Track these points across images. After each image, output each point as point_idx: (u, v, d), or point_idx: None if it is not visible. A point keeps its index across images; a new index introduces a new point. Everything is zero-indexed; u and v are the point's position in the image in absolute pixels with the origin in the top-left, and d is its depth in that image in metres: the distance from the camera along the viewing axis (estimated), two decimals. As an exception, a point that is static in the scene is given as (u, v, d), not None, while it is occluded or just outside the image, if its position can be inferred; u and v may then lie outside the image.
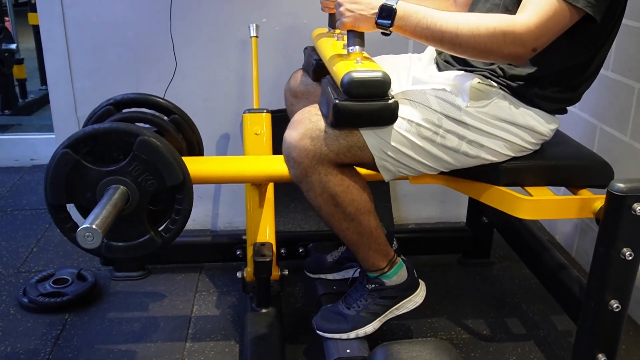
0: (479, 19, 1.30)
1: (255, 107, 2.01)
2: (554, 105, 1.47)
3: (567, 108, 1.53)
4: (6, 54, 3.28)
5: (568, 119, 1.57)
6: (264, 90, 2.17)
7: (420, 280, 1.65)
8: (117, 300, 1.98)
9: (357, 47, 1.37)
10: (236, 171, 1.66)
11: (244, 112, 1.85)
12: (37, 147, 3.05)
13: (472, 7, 1.62)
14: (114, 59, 2.23)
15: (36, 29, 3.65)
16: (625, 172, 1.90)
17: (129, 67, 2.25)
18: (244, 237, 2.01)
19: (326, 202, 1.43)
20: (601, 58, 1.46)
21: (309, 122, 1.38)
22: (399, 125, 1.37)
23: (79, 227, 1.42)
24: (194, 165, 1.55)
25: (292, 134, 1.39)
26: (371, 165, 1.43)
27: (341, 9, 1.33)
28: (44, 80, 4.04)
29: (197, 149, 1.83)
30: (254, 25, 2.08)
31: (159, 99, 1.76)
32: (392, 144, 1.38)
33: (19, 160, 3.05)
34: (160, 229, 1.49)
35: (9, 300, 1.96)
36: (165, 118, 1.76)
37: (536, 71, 1.42)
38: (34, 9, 3.46)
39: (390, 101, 1.31)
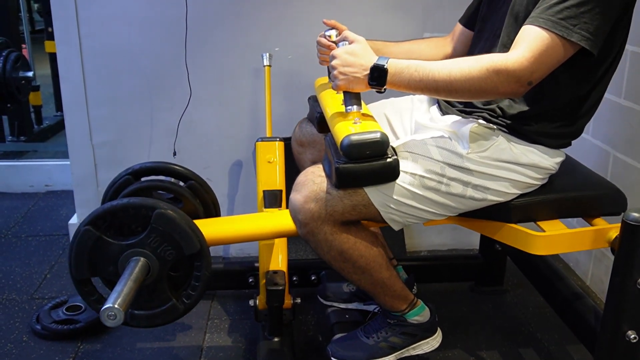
0: (470, 62, 1.30)
1: (267, 135, 2.02)
2: (556, 141, 1.47)
3: (575, 138, 1.51)
4: (23, 82, 3.32)
5: (580, 146, 1.57)
6: (277, 118, 2.18)
7: (438, 327, 1.65)
8: (129, 329, 1.97)
9: (355, 107, 1.39)
10: (251, 230, 1.65)
11: (257, 141, 1.87)
12: (52, 173, 3.08)
13: (473, 48, 1.63)
14: (129, 87, 2.27)
15: (52, 57, 3.70)
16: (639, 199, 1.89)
17: (144, 95, 2.28)
18: (256, 264, 2.01)
19: (335, 259, 1.45)
20: (602, 90, 1.45)
21: (312, 184, 1.41)
22: (402, 179, 1.38)
23: (103, 297, 1.47)
24: (210, 228, 1.56)
25: (297, 197, 1.42)
26: (378, 219, 1.44)
27: (335, 72, 1.36)
28: (59, 107, 4.09)
29: (213, 210, 1.85)
30: (267, 54, 2.11)
31: (175, 167, 1.80)
32: (396, 197, 1.39)
33: (33, 187, 3.08)
34: (180, 292, 1.52)
35: (23, 327, 1.97)
36: (182, 184, 1.78)
37: (536, 109, 1.42)
38: (50, 36, 3.52)
39: (389, 159, 1.33)
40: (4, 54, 3.20)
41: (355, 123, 1.36)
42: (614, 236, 1.41)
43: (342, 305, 1.92)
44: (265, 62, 2.10)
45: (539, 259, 1.92)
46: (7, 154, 3.56)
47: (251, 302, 1.84)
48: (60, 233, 2.62)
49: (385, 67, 1.31)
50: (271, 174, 1.83)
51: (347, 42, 1.39)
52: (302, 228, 1.43)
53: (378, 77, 1.32)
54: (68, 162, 2.41)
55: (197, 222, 1.50)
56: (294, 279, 2.08)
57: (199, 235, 1.45)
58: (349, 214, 1.40)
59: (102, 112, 2.28)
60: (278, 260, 1.83)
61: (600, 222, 1.49)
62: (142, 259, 1.41)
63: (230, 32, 2.23)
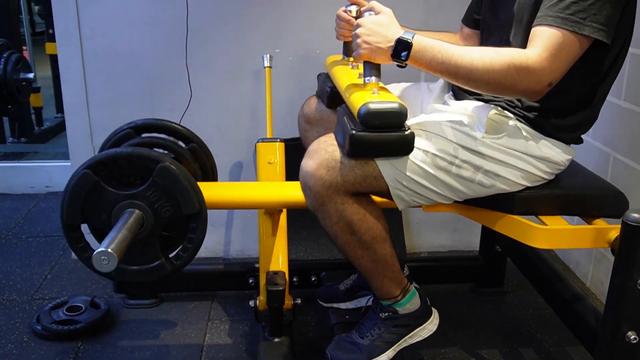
0: (494, 54, 1.30)
1: (268, 136, 2.02)
2: (571, 134, 1.47)
3: (588, 129, 1.52)
4: (23, 83, 3.33)
5: (581, 148, 1.57)
6: (277, 119, 2.19)
7: (433, 308, 1.64)
8: (129, 328, 1.98)
9: (374, 78, 1.38)
10: (250, 197, 1.67)
11: (258, 142, 1.87)
12: (52, 174, 3.08)
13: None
14: (130, 89, 2.27)
15: (53, 58, 3.71)
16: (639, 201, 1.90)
17: (145, 96, 2.28)
18: (256, 265, 2.01)
19: (342, 231, 1.43)
20: (612, 78, 1.45)
21: (325, 152, 1.39)
22: (414, 155, 1.38)
23: (90, 247, 1.45)
24: (209, 190, 1.57)
25: (309, 163, 1.40)
26: (385, 194, 1.43)
27: (358, 40, 1.34)
28: (59, 108, 4.09)
29: (211, 175, 1.85)
30: (268, 55, 2.11)
31: (178, 126, 1.79)
32: (408, 174, 1.39)
33: (34, 188, 3.08)
34: (171, 256, 1.50)
35: (23, 327, 1.97)
36: (183, 145, 1.77)
37: (554, 102, 1.42)
38: (51, 38, 3.53)
39: (406, 132, 1.32)
40: (4, 55, 3.20)
41: (373, 93, 1.35)
42: (614, 237, 1.41)
43: (342, 306, 1.92)
44: (266, 64, 2.11)
45: (539, 260, 1.92)
46: (7, 155, 3.56)
47: (251, 303, 1.85)
48: (60, 234, 2.62)
49: (410, 41, 1.30)
50: (272, 175, 1.84)
51: (373, 12, 1.37)
52: (311, 197, 1.41)
53: (402, 50, 1.31)
54: (69, 164, 2.41)
55: (199, 184, 1.48)
56: (294, 279, 2.08)
57: (200, 197, 1.43)
58: (359, 184, 1.39)
59: (103, 113, 2.28)
60: (278, 260, 1.84)
61: (600, 223, 1.50)
62: (137, 211, 1.39)
63: (230, 33, 2.23)
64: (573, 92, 1.42)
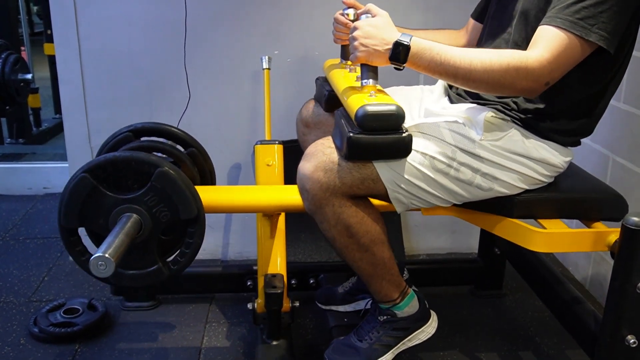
0: (492, 54, 1.30)
1: (267, 138, 2.02)
2: (568, 138, 1.47)
3: (587, 136, 1.52)
4: (22, 84, 3.32)
5: (580, 150, 1.57)
6: (276, 121, 2.18)
7: (431, 311, 1.63)
8: (127, 331, 1.97)
9: (371, 81, 1.38)
10: (248, 201, 1.67)
11: (256, 144, 1.86)
12: (50, 175, 3.07)
13: (480, 42, 1.63)
14: (128, 90, 2.26)
15: (51, 59, 3.71)
16: (638, 203, 1.89)
17: (143, 97, 2.28)
18: (254, 267, 2.00)
19: (340, 234, 1.43)
20: (613, 88, 1.46)
21: (322, 155, 1.39)
22: (412, 158, 1.38)
23: (87, 251, 1.44)
24: (208, 194, 1.56)
25: (306, 165, 1.39)
26: (384, 197, 1.43)
27: (355, 43, 1.34)
28: (57, 109, 4.09)
29: (209, 179, 1.85)
30: (266, 57, 2.11)
31: (177, 130, 1.79)
32: (406, 176, 1.38)
33: (32, 189, 3.07)
34: (168, 260, 1.49)
35: (20, 329, 1.96)
36: (182, 149, 1.77)
37: (549, 105, 1.42)
38: (49, 39, 3.52)
39: (404, 134, 1.32)
40: (3, 56, 3.19)
41: (370, 96, 1.35)
42: (613, 240, 1.41)
43: (340, 308, 1.92)
44: (265, 65, 2.10)
45: (539, 263, 1.91)
46: (5, 156, 3.55)
47: (249, 306, 1.84)
48: (58, 236, 2.59)
49: (408, 44, 1.30)
50: (270, 177, 1.83)
51: (370, 15, 1.37)
52: (309, 200, 1.40)
53: (399, 53, 1.30)
54: (67, 165, 2.40)
55: (196, 187, 1.48)
56: (293, 282, 2.08)
57: (198, 202, 1.42)
58: (357, 187, 1.38)
59: (101, 114, 2.27)
60: (277, 263, 1.83)
61: (599, 227, 1.49)
62: (135, 215, 1.38)
63: (229, 35, 2.23)
64: (568, 97, 1.42)
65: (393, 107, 1.30)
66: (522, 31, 1.42)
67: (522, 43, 1.41)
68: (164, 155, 1.70)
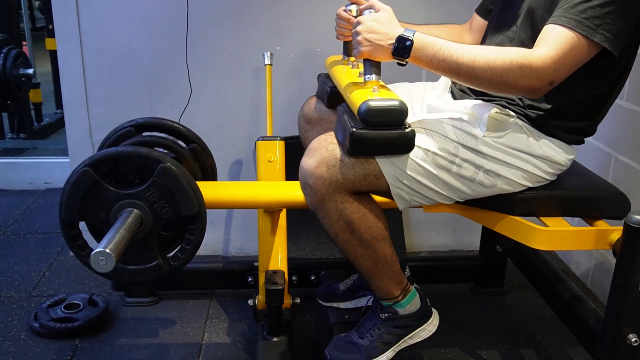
0: (496, 51, 1.29)
1: (268, 134, 2.01)
2: (572, 136, 1.46)
3: (591, 135, 1.52)
4: (23, 79, 3.32)
5: (582, 149, 1.56)
6: (278, 117, 2.18)
7: (433, 309, 1.63)
8: (127, 326, 1.97)
9: (374, 76, 1.37)
10: (250, 197, 1.67)
11: (258, 140, 1.86)
12: (51, 170, 3.07)
13: (484, 39, 1.62)
14: (129, 85, 2.26)
15: (53, 54, 3.70)
16: (641, 202, 1.89)
17: (144, 93, 2.27)
18: (255, 263, 2.00)
19: (342, 229, 1.42)
20: (618, 89, 1.45)
21: (325, 150, 1.38)
22: (415, 154, 1.37)
23: (87, 245, 1.44)
24: (209, 190, 1.56)
25: (309, 161, 1.39)
26: (386, 193, 1.42)
27: (359, 37, 1.33)
28: (59, 104, 4.09)
29: (211, 175, 1.84)
30: (268, 53, 2.10)
31: (179, 126, 1.78)
32: (408, 172, 1.38)
33: (33, 184, 3.07)
34: (168, 256, 1.49)
35: (21, 324, 1.96)
36: (184, 145, 1.77)
37: (554, 102, 1.42)
38: (51, 34, 3.51)
39: (407, 130, 1.31)
40: (4, 51, 3.19)
41: (373, 91, 1.34)
42: (615, 238, 1.40)
43: (341, 305, 1.91)
44: (267, 61, 2.10)
45: (540, 261, 1.91)
46: (6, 151, 3.55)
47: (250, 302, 1.84)
48: (59, 231, 2.60)
49: (411, 39, 1.30)
50: (272, 173, 1.83)
51: (373, 10, 1.36)
52: (311, 195, 1.40)
53: (403, 48, 1.30)
54: (68, 160, 2.40)
55: (198, 183, 1.48)
56: (294, 278, 2.08)
57: (200, 198, 1.42)
58: (359, 183, 1.38)
59: (103, 109, 2.27)
60: (277, 259, 1.83)
61: (602, 225, 1.49)
62: (136, 210, 1.38)
63: (231, 30, 2.22)
64: (573, 97, 1.41)
65: (396, 102, 1.30)
66: (529, 30, 1.42)
67: (529, 42, 1.40)
68: (166, 151, 1.70)
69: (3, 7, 3.66)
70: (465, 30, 1.77)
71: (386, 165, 1.37)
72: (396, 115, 1.30)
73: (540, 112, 1.43)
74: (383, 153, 1.36)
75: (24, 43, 3.99)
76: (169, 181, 1.38)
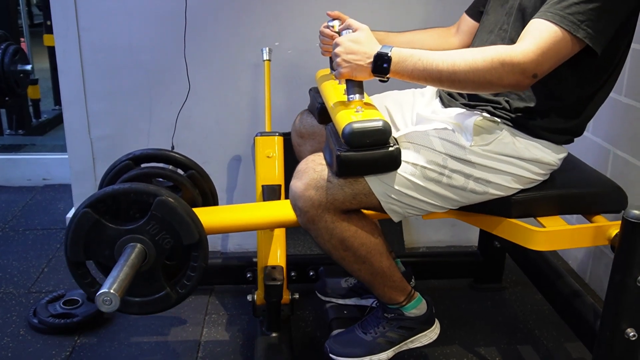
0: (475, 52, 1.29)
1: (267, 129, 2.01)
2: (560, 137, 1.46)
3: (578, 136, 1.51)
4: (21, 75, 3.30)
5: (580, 143, 1.56)
6: (276, 113, 2.17)
7: (436, 319, 1.64)
8: (126, 323, 1.97)
9: (357, 96, 1.37)
10: (249, 219, 1.67)
11: (256, 135, 1.86)
12: (49, 167, 3.07)
13: (475, 39, 1.62)
14: (128, 81, 2.26)
15: (51, 50, 3.69)
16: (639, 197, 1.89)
17: (143, 89, 2.27)
18: (254, 259, 2.00)
19: (335, 247, 1.44)
20: (606, 91, 1.45)
21: (313, 172, 1.39)
22: (403, 169, 1.37)
23: (97, 282, 1.47)
24: (208, 216, 1.57)
25: (297, 184, 1.40)
26: (378, 209, 1.43)
27: (338, 59, 1.34)
28: (57, 101, 4.07)
29: (211, 200, 1.85)
30: (267, 49, 2.10)
31: (176, 155, 1.80)
32: (397, 188, 1.38)
33: (31, 180, 3.07)
34: (174, 281, 1.51)
35: (19, 320, 1.96)
36: (182, 172, 1.78)
37: (541, 105, 1.41)
38: (49, 30, 3.50)
39: (391, 148, 1.31)
40: (2, 47, 3.17)
41: (357, 111, 1.35)
42: (614, 233, 1.40)
43: (340, 301, 1.92)
44: (265, 57, 2.09)
45: (538, 257, 1.91)
46: (5, 147, 3.55)
47: (249, 297, 1.84)
48: (57, 227, 2.61)
49: (389, 55, 1.30)
50: (270, 169, 1.83)
51: (350, 30, 1.37)
52: (302, 216, 1.41)
53: (381, 65, 1.30)
54: (66, 156, 2.40)
55: (196, 210, 1.49)
56: (292, 274, 2.08)
57: (199, 226, 1.44)
58: (349, 202, 1.39)
59: (101, 106, 2.27)
60: (276, 255, 1.83)
61: (600, 220, 1.49)
62: (139, 245, 1.40)
63: (229, 26, 2.22)
64: (560, 98, 1.41)
65: (379, 123, 1.30)
66: (520, 28, 1.41)
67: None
68: (165, 180, 1.73)
69: (1, 3, 3.65)
70: (451, 33, 1.76)
71: (375, 183, 1.38)
72: (380, 135, 1.30)
73: (527, 114, 1.43)
74: (371, 172, 1.36)
75: (22, 39, 3.98)
76: (167, 213, 1.40)
